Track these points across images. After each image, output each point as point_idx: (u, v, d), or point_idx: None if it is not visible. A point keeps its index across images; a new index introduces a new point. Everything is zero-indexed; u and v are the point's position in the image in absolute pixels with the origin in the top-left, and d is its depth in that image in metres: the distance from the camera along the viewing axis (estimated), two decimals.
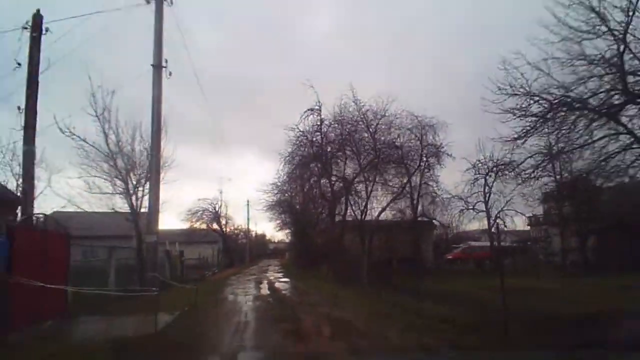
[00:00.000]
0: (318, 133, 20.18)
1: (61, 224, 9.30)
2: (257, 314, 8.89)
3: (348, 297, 11.58)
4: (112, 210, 13.11)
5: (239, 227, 49.04)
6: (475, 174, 15.04)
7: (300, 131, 19.76)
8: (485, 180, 15.29)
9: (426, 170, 20.98)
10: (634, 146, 9.73)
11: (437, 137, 19.28)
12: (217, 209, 38.36)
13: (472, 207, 24.30)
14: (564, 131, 10.49)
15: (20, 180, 10.55)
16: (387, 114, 18.20)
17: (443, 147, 19.36)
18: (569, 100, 10.25)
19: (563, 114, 10.45)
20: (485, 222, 18.44)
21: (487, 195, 19.78)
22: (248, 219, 48.71)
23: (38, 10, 9.51)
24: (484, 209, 24.21)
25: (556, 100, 10.36)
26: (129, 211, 12.61)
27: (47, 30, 9.45)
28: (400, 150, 19.03)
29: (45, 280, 7.41)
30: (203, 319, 8.09)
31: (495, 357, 3.66)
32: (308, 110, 19.25)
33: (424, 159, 19.98)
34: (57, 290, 8.25)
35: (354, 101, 17.98)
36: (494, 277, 11.00)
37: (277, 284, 18.13)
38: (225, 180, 45.38)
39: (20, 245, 6.89)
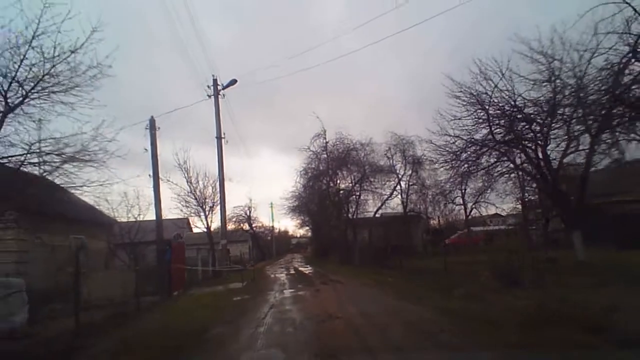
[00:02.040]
0: (324, 153, 27.17)
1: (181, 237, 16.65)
2: (289, 281, 16.08)
3: (344, 270, 18.61)
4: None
5: (264, 225, 56.64)
6: (454, 174, 20.53)
7: (311, 151, 26.73)
8: (462, 179, 21.53)
9: (414, 173, 27.71)
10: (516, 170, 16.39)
11: (415, 149, 25.75)
12: (247, 213, 45.88)
13: (452, 201, 31.16)
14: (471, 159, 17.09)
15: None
16: (371, 142, 24.95)
17: (424, 156, 25.75)
18: (474, 140, 16.80)
19: (472, 148, 17.03)
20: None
21: (463, 191, 26.35)
22: (272, 219, 56.24)
23: (152, 116, 16.67)
24: (462, 202, 31.20)
25: (469, 139, 16.94)
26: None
27: (159, 128, 16.63)
28: (391, 161, 25.77)
29: (179, 269, 14.74)
30: (261, 283, 15.35)
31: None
32: (315, 135, 26.22)
33: (408, 166, 26.68)
34: (183, 272, 15.63)
35: (345, 137, 24.90)
36: (461, 255, 17.40)
37: (300, 268, 25.34)
38: (229, 179, 51.83)
39: (173, 251, 14.18)
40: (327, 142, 26.71)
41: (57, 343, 6.66)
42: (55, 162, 7.31)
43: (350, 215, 26.42)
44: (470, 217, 33.26)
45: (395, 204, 29.62)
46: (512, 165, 16.57)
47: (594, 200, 19.97)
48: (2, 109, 6.80)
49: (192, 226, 32.00)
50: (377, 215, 28.37)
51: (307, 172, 28.68)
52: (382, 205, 27.60)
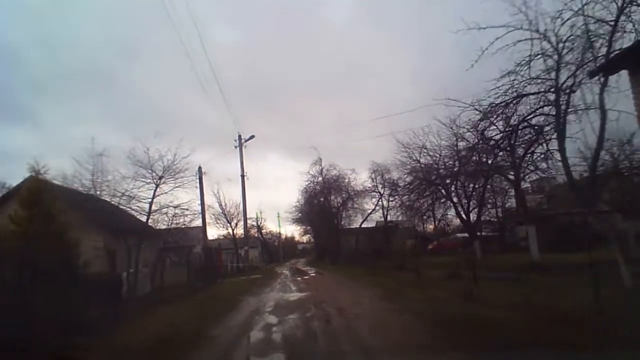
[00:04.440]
0: (320, 176, 35.03)
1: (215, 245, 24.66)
2: (291, 273, 23.98)
3: (331, 268, 26.40)
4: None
5: (272, 232, 64.55)
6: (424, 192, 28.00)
7: (310, 174, 34.52)
8: (434, 195, 29.31)
9: (394, 192, 35.35)
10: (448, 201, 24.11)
11: (391, 175, 33.31)
12: (258, 223, 53.87)
13: (422, 214, 38.70)
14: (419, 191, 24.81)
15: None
16: (354, 171, 32.70)
17: (398, 180, 33.24)
18: (420, 177, 24.57)
19: (418, 182, 24.79)
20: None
21: (432, 205, 33.82)
22: (279, 226, 64.17)
23: (200, 166, 24.42)
24: (431, 215, 38.54)
25: (418, 175, 24.71)
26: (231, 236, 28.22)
27: (205, 173, 24.53)
28: (375, 182, 33.44)
29: (220, 265, 22.72)
30: (271, 275, 23.26)
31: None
32: (313, 162, 34.03)
33: (387, 186, 34.32)
34: (221, 268, 23.61)
35: (335, 166, 32.74)
36: (429, 257, 25.14)
37: (300, 268, 33.23)
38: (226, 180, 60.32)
39: (217, 254, 22.10)
40: (322, 168, 34.58)
41: (176, 297, 14.46)
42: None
43: (338, 227, 34.24)
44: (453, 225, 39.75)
45: (378, 216, 37.25)
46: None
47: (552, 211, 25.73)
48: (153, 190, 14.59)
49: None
50: (364, 226, 36.05)
51: (307, 191, 36.61)
52: (365, 218, 35.30)
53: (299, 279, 19.26)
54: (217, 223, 28.28)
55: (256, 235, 53.93)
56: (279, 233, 66.56)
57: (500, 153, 17.72)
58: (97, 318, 7.95)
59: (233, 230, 28.28)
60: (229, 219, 27.91)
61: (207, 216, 28.20)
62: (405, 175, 25.16)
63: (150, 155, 13.94)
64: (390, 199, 35.73)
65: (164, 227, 17.56)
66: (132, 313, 8.89)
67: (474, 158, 17.70)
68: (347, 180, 32.77)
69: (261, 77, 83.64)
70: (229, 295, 12.68)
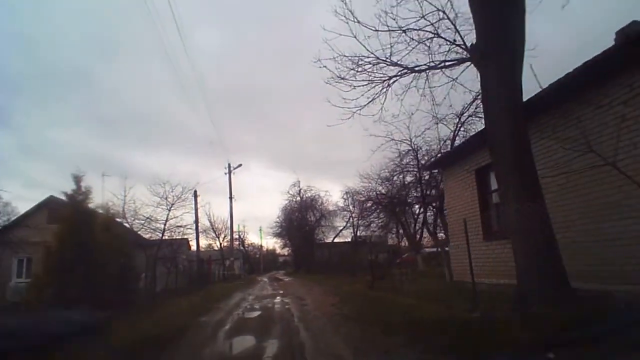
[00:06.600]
0: (298, 196, 40.05)
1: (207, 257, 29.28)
2: (269, 281, 28.71)
3: (303, 277, 31.17)
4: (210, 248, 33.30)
5: (253, 244, 68.85)
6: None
7: (289, 194, 39.52)
8: (396, 215, 34.60)
9: (365, 212, 40.59)
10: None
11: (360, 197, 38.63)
12: (240, 236, 58.22)
13: (388, 231, 43.82)
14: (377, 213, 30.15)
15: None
16: (327, 193, 37.94)
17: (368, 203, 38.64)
18: (377, 199, 29.90)
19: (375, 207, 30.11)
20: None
21: (398, 225, 39.10)
22: (261, 238, 68.59)
23: (195, 190, 29.02)
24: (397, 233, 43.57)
25: (374, 200, 30.05)
26: (219, 248, 32.75)
27: (199, 194, 29.14)
28: (347, 202, 38.59)
29: (210, 273, 27.29)
30: (253, 282, 27.96)
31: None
32: (292, 184, 39.09)
33: (354, 209, 39.55)
34: (211, 275, 28.20)
35: (308, 189, 37.85)
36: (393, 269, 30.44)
37: (279, 277, 37.88)
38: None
39: (208, 264, 26.64)
40: (300, 189, 39.69)
41: (182, 293, 19.07)
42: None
43: (313, 243, 39.26)
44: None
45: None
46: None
47: None
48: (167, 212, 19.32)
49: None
50: (339, 241, 41.14)
51: (287, 208, 41.59)
52: (337, 234, 40.43)
53: (275, 284, 24.07)
54: (207, 237, 32.83)
55: (239, 247, 58.16)
56: (261, 245, 70.89)
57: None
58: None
59: (221, 243, 32.94)
60: (217, 233, 32.58)
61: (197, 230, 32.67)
62: (365, 200, 30.47)
63: (165, 189, 18.78)
64: (360, 218, 41.39)
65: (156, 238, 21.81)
66: (159, 299, 13.59)
67: (416, 189, 23.17)
68: (320, 202, 37.99)
69: (245, 83, 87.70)
70: (222, 292, 17.42)
